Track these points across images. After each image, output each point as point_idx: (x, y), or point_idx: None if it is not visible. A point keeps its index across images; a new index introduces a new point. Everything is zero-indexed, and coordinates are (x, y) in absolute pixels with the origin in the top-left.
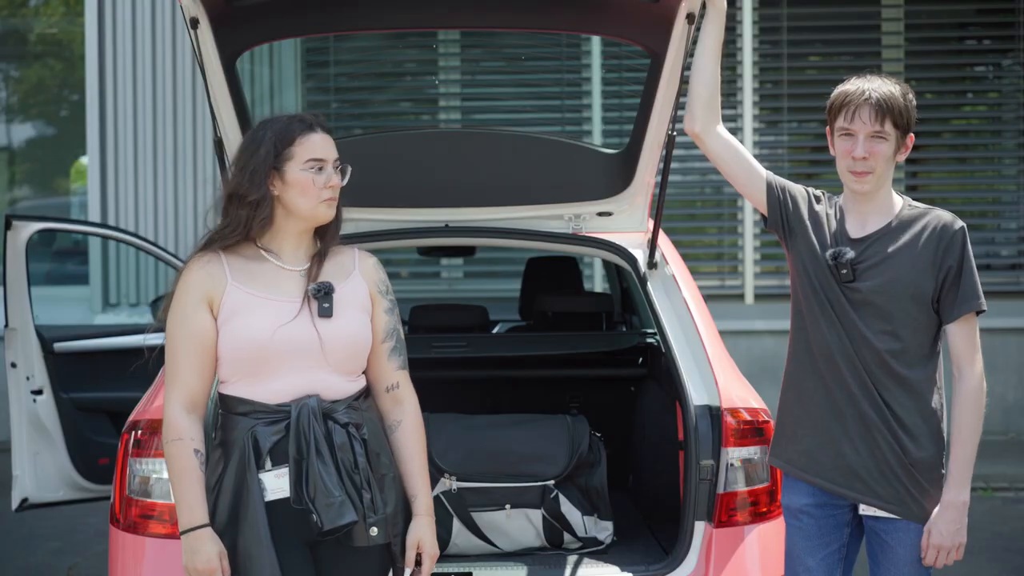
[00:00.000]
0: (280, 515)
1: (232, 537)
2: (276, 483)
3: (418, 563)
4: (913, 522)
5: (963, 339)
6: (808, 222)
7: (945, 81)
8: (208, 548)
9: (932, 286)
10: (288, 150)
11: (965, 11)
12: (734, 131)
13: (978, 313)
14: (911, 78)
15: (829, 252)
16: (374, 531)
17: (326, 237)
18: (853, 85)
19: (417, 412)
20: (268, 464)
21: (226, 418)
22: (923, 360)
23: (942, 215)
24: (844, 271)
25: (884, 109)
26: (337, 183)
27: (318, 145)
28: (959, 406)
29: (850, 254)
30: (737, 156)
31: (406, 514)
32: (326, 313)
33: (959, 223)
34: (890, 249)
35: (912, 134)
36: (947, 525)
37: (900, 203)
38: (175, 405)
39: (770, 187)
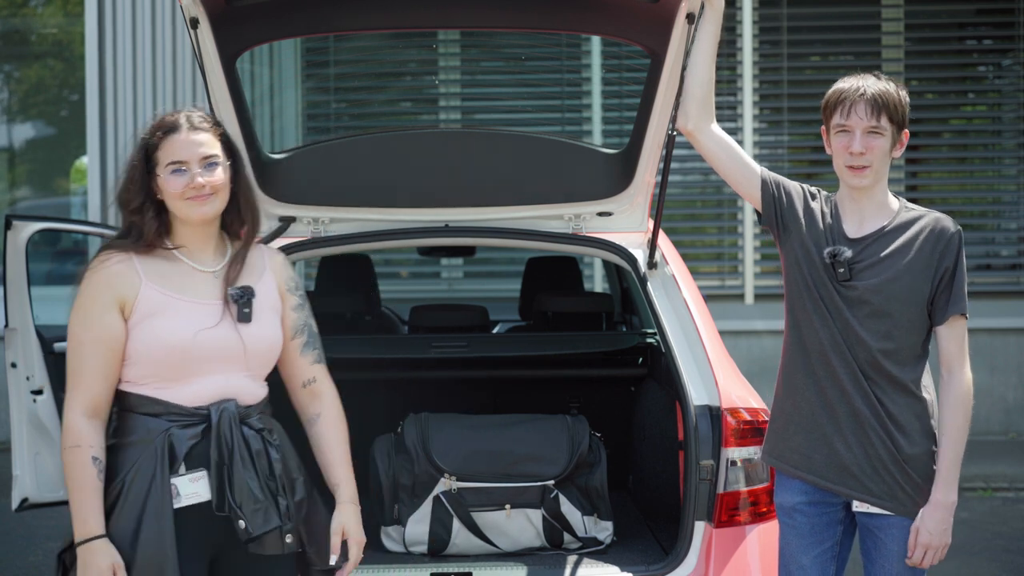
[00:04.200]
0: (186, 522)
1: (133, 542)
2: (191, 488)
3: (344, 554)
4: (906, 518)
5: (953, 341)
6: (803, 219)
7: (945, 81)
8: (101, 560)
9: (928, 287)
10: (155, 156)
11: (965, 11)
12: (734, 132)
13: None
14: (911, 78)
15: (827, 251)
16: (289, 539)
17: (246, 238)
18: (847, 83)
19: (337, 403)
20: (182, 468)
21: (129, 418)
22: (914, 360)
23: (940, 217)
24: (841, 270)
25: (879, 104)
26: (203, 183)
27: (178, 147)
28: (948, 408)
29: (848, 253)
30: (731, 154)
31: (318, 516)
32: (246, 318)
33: (956, 226)
34: (888, 250)
35: (907, 131)
36: (935, 525)
37: (897, 204)
38: (76, 410)
39: (764, 183)
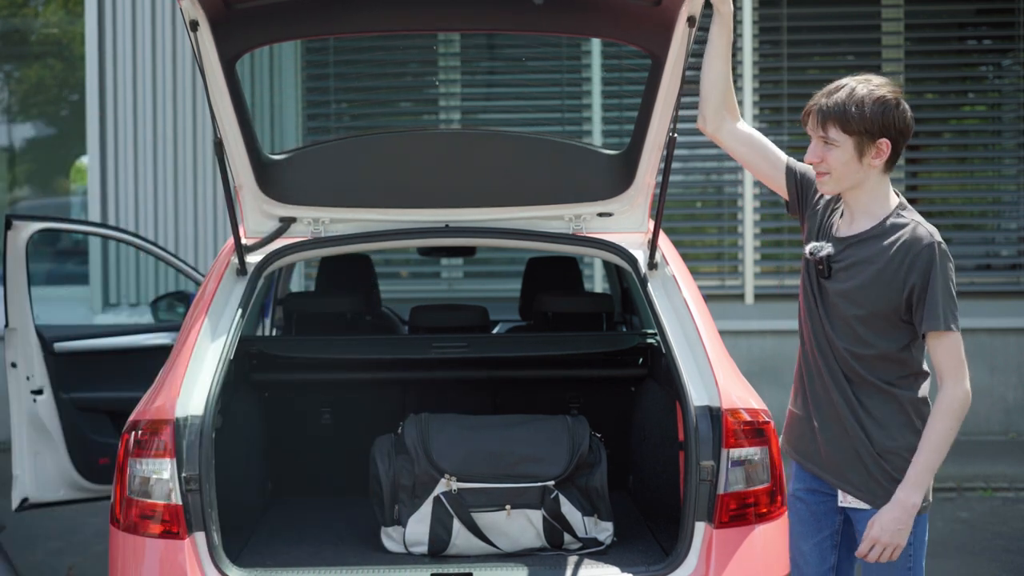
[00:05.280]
0: None
1: None
2: None
3: None
4: None
5: (941, 354)
6: (816, 210)
7: (945, 81)
8: None
9: (897, 299)
10: None
11: (965, 11)
12: None
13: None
14: (911, 78)
15: (808, 246)
16: None
17: None
18: (820, 91)
19: None
20: None
21: None
22: (889, 365)
23: (918, 231)
24: (820, 266)
25: (826, 116)
26: None
27: None
28: (933, 415)
29: (827, 250)
30: (753, 150)
31: None
32: None
33: (930, 240)
34: (862, 255)
35: (886, 139)
36: (890, 522)
37: (890, 209)
38: None
39: (789, 171)
